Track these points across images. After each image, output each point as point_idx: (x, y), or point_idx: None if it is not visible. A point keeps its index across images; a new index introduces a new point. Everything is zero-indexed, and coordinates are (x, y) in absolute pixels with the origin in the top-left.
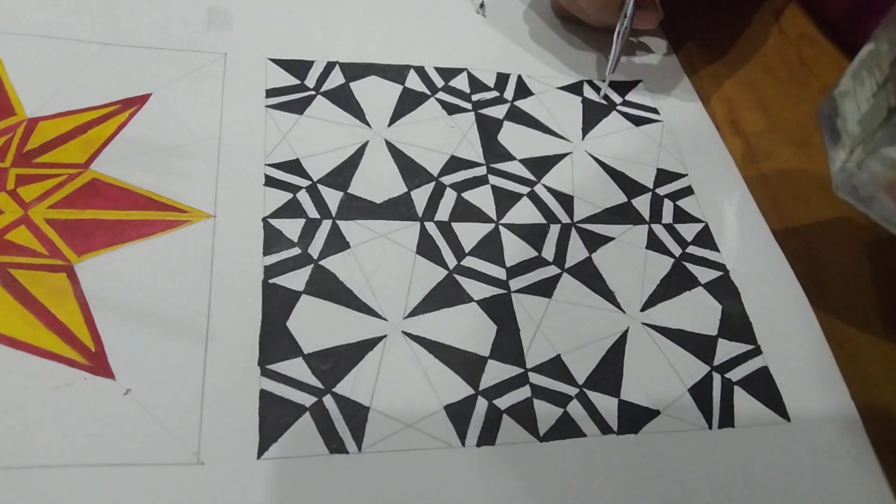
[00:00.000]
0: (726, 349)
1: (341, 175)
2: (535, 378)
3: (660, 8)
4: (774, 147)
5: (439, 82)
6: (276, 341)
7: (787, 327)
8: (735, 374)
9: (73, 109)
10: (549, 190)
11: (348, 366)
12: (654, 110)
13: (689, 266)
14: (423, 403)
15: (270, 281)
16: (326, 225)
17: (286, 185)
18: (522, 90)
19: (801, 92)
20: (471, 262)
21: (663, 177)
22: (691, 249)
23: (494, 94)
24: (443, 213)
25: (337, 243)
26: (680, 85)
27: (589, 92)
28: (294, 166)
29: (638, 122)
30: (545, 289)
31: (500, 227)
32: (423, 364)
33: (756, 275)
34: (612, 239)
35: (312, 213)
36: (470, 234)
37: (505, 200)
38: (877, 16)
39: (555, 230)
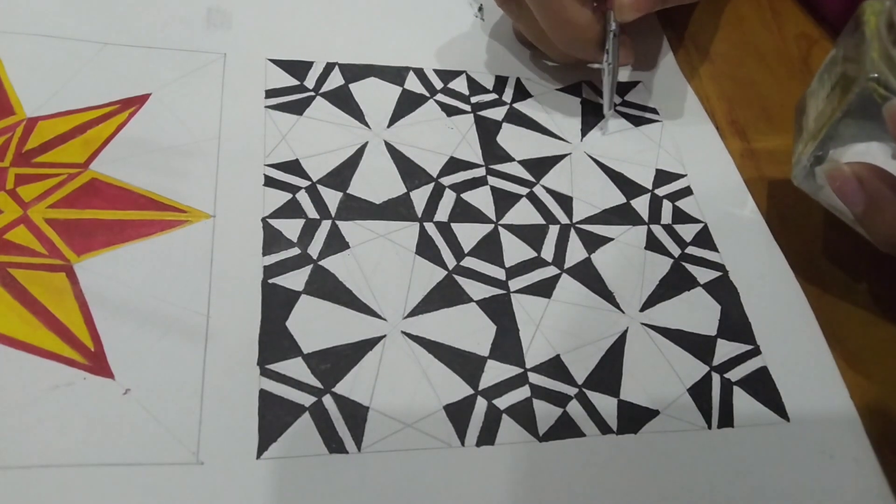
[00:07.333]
0: (725, 349)
1: (340, 175)
2: (534, 378)
3: (632, 46)
4: (774, 147)
5: (438, 84)
6: (275, 341)
7: (786, 327)
8: (734, 374)
9: (72, 109)
10: (548, 191)
11: (348, 366)
12: (654, 110)
13: (689, 266)
14: (422, 403)
15: (270, 281)
16: (326, 225)
17: (286, 185)
18: (521, 92)
19: (801, 92)
20: (470, 262)
21: (662, 177)
22: (690, 250)
23: (493, 96)
24: (442, 213)
25: (336, 243)
26: (679, 85)
27: (588, 93)
28: (293, 167)
29: (637, 122)
30: (544, 289)
31: (500, 228)
32: (422, 364)
33: (755, 275)
34: (612, 239)
35: (312, 213)
36: (469, 234)
37: (504, 201)
38: None
39: (554, 231)
